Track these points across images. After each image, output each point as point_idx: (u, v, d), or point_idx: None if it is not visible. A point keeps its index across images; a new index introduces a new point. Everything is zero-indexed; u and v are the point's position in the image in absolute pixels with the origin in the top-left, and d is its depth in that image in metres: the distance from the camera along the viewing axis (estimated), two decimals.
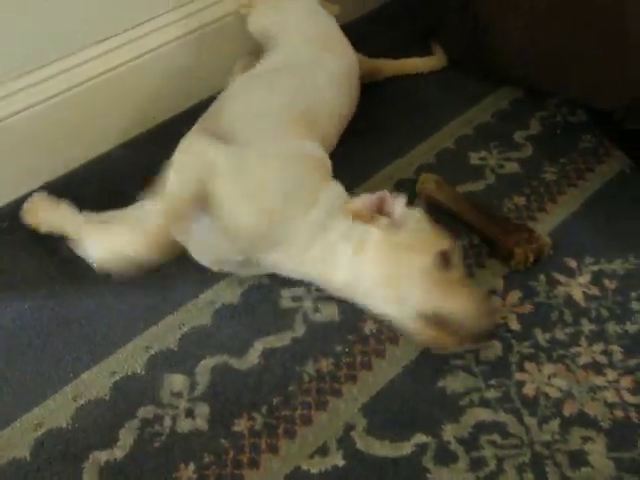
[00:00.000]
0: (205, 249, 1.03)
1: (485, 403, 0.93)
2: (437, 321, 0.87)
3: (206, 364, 0.98)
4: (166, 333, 1.02)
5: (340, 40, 1.24)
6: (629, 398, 0.93)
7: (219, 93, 1.27)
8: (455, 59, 1.42)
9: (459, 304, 0.87)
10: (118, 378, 0.96)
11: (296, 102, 1.07)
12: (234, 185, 0.93)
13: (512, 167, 1.24)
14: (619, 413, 0.92)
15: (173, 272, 1.10)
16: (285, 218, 0.93)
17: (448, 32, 1.41)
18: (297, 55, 1.16)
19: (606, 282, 1.06)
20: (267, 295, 1.06)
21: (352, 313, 1.03)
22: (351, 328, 1.02)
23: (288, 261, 0.96)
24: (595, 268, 1.08)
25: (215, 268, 1.06)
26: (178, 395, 0.95)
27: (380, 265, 0.90)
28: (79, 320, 1.03)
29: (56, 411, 0.93)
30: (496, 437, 0.90)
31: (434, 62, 1.44)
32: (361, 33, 1.42)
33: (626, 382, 0.95)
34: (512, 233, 1.07)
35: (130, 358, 0.99)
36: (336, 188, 0.99)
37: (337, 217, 0.94)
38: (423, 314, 0.88)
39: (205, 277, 1.08)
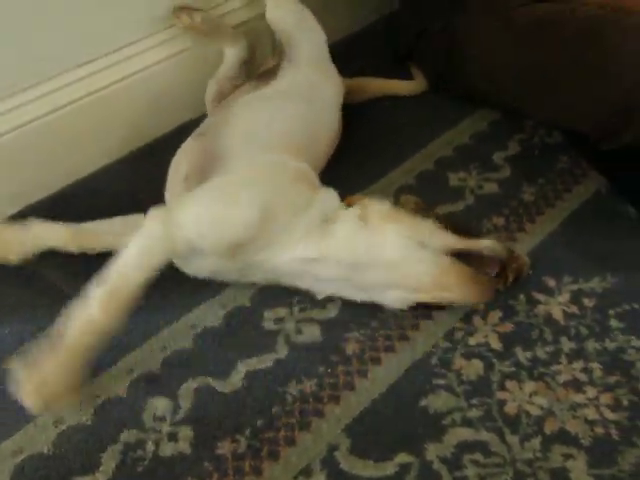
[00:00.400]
0: (200, 263, 1.03)
1: (467, 422, 0.94)
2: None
3: (189, 387, 0.98)
4: (148, 356, 1.02)
5: (330, 61, 1.27)
6: (609, 415, 0.94)
7: (202, 115, 1.29)
8: (434, 82, 1.44)
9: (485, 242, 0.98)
10: (100, 402, 0.96)
11: (297, 130, 1.11)
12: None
13: (491, 188, 1.26)
14: (599, 430, 0.92)
15: (154, 296, 1.09)
16: (276, 219, 0.96)
17: (426, 55, 1.43)
18: (302, 78, 1.20)
19: (585, 300, 1.08)
20: (249, 317, 1.07)
21: (334, 333, 1.04)
22: (333, 348, 1.02)
23: (286, 253, 0.98)
24: (574, 287, 1.10)
25: (214, 277, 1.07)
26: (161, 419, 0.95)
27: (394, 224, 0.97)
28: None
29: (36, 436, 0.92)
30: (479, 456, 0.91)
31: (414, 86, 1.46)
32: (341, 55, 1.43)
33: (606, 399, 0.96)
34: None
35: (112, 382, 0.98)
36: (329, 193, 1.03)
37: (335, 212, 1.00)
38: (450, 250, 0.96)
39: (186, 300, 1.09)
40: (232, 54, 1.32)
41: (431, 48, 1.40)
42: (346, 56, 1.49)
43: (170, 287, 1.11)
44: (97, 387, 0.97)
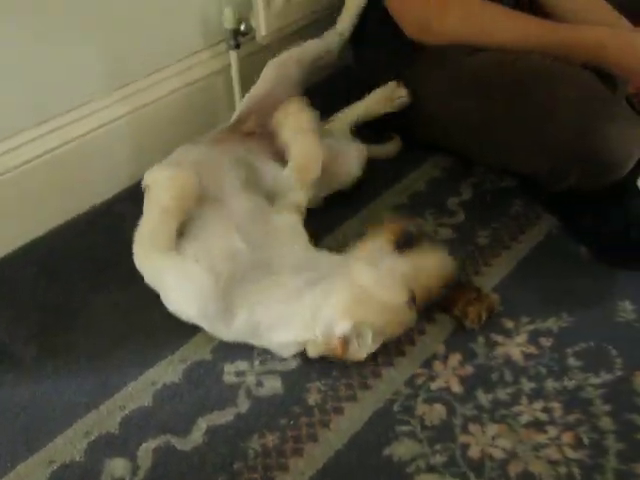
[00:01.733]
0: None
1: (431, 469, 0.93)
2: None
3: (148, 446, 0.96)
4: (106, 417, 0.99)
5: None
6: (571, 454, 0.94)
7: None
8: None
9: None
10: (56, 467, 0.93)
11: None
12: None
13: (446, 233, 1.28)
14: (562, 470, 0.93)
15: (112, 354, 1.08)
16: None
17: None
18: None
19: (542, 340, 1.09)
20: (210, 371, 1.05)
21: (296, 384, 1.03)
22: (295, 400, 1.02)
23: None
24: (531, 327, 1.11)
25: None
26: None
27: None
28: (14, 409, 1.00)
29: None
30: None
31: (392, 148, 1.47)
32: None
33: (567, 438, 0.96)
34: (461, 293, 1.10)
35: (69, 445, 0.96)
36: None
37: None
38: None
39: (145, 357, 1.07)
40: None
41: None
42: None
43: (129, 345, 1.10)
44: (52, 452, 0.95)
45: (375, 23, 1.40)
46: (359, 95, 1.48)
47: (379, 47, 1.42)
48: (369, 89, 1.47)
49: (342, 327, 1.00)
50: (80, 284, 1.20)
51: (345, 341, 1.00)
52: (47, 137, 1.25)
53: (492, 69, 1.23)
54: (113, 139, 1.34)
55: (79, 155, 1.29)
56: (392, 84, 1.39)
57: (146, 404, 1.01)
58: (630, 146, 1.11)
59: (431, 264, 1.05)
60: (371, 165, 1.43)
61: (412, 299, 1.02)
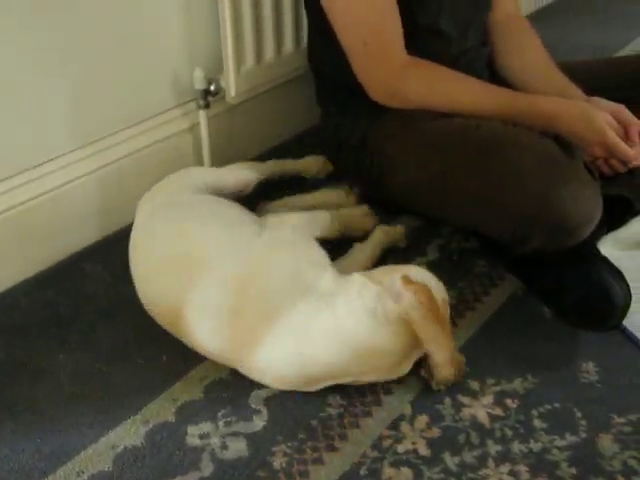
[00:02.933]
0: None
1: None
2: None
3: None
4: None
5: None
6: None
7: (122, 229, 1.29)
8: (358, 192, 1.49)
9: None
10: None
11: None
12: None
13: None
14: None
15: (73, 414, 1.05)
16: None
17: (349, 166, 1.49)
18: None
19: (508, 402, 1.09)
20: (173, 433, 1.03)
21: (261, 447, 1.01)
22: (260, 463, 0.99)
23: None
24: (497, 388, 1.11)
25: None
26: None
27: None
28: None
29: None
30: None
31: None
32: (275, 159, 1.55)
33: None
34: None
35: None
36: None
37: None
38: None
39: (107, 418, 1.04)
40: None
41: (352, 160, 1.46)
42: None
43: (90, 404, 1.07)
44: None
45: (340, 86, 1.43)
46: (327, 153, 1.52)
47: (345, 110, 1.45)
48: (336, 150, 1.50)
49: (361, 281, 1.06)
50: (41, 341, 1.18)
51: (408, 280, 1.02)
52: (13, 192, 1.24)
53: (455, 136, 1.26)
54: (80, 195, 1.34)
55: (42, 212, 1.29)
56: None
57: (106, 469, 0.98)
58: (589, 209, 1.15)
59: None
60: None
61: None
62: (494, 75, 1.48)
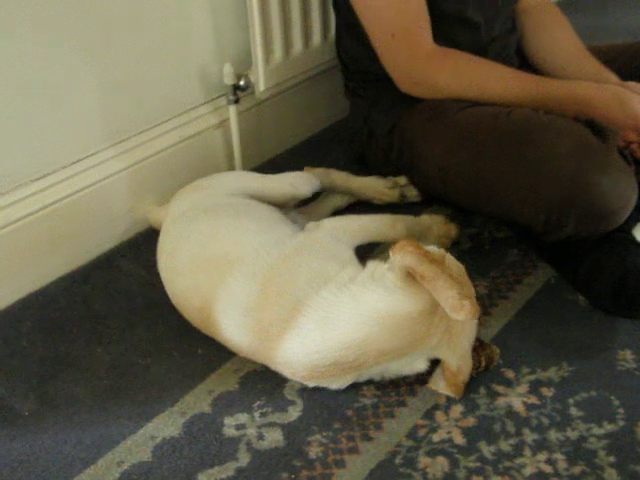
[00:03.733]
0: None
1: None
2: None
3: None
4: (104, 473, 0.98)
5: None
6: None
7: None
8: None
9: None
10: None
11: None
12: None
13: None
14: None
15: (111, 407, 1.07)
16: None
17: (377, 157, 1.49)
18: None
19: (544, 390, 1.08)
20: (210, 424, 1.04)
21: (297, 437, 1.02)
22: (296, 453, 1.00)
23: None
24: (532, 377, 1.11)
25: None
26: None
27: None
28: (11, 464, 0.99)
29: None
30: None
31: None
32: (306, 153, 1.58)
33: None
34: None
35: None
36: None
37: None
38: None
39: (145, 410, 1.06)
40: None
41: (381, 150, 1.46)
42: (306, 159, 1.57)
43: (128, 397, 1.09)
44: None
45: (368, 78, 1.43)
46: (357, 145, 1.52)
47: (374, 101, 1.45)
48: (365, 142, 1.50)
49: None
50: (78, 336, 1.20)
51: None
52: (46, 192, 1.27)
53: (486, 122, 1.25)
54: (112, 193, 1.36)
55: (77, 209, 1.31)
56: (404, 180, 1.45)
57: (145, 459, 1.00)
58: (624, 195, 1.13)
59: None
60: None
61: None
62: (524, 62, 1.47)
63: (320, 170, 1.44)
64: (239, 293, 1.06)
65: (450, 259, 1.05)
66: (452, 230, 1.33)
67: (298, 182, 1.34)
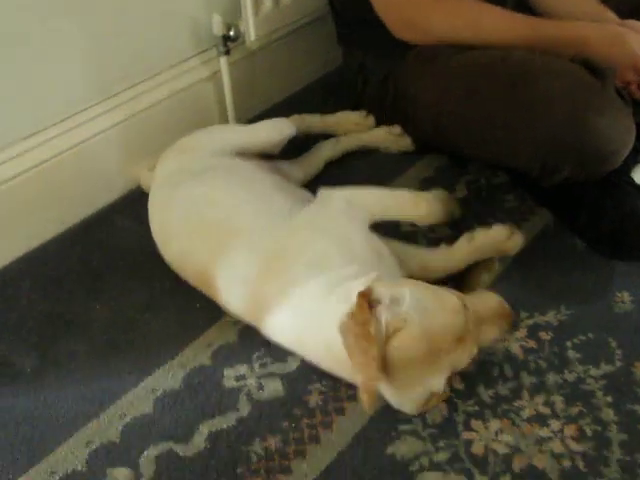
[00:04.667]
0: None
1: (435, 466, 0.93)
2: None
3: (150, 454, 0.95)
4: (107, 426, 0.99)
5: None
6: (574, 446, 0.94)
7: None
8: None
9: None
10: (57, 478, 0.93)
11: None
12: None
13: (443, 232, 1.28)
14: (566, 463, 0.92)
15: (112, 362, 1.08)
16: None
17: (372, 105, 1.47)
18: None
19: (542, 334, 1.09)
20: (210, 376, 1.05)
21: (296, 386, 1.03)
22: (297, 402, 1.01)
23: None
24: (530, 322, 1.11)
25: None
26: None
27: None
28: (15, 420, 1.00)
29: None
30: None
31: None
32: (299, 103, 1.56)
33: (570, 431, 0.96)
34: None
35: (70, 455, 0.95)
36: None
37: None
38: None
39: (145, 364, 1.07)
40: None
41: (376, 99, 1.44)
42: (299, 109, 1.52)
43: (128, 352, 1.10)
44: (53, 463, 0.94)
45: (361, 25, 1.40)
46: (351, 93, 1.50)
47: (368, 48, 1.42)
48: (360, 90, 1.47)
49: (362, 283, 0.92)
50: (77, 293, 1.20)
51: (365, 296, 0.89)
52: (36, 150, 1.25)
53: (482, 66, 1.23)
54: (104, 150, 1.34)
55: (69, 167, 1.29)
56: (398, 130, 1.42)
57: (147, 411, 1.01)
58: (622, 136, 1.12)
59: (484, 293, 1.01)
60: (365, 166, 1.44)
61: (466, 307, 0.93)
62: (520, 3, 1.43)
63: (294, 117, 1.42)
64: (240, 264, 1.05)
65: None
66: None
67: (279, 126, 1.33)
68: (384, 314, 0.89)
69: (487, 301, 0.98)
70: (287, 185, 1.22)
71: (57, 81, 1.24)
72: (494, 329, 0.97)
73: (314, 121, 1.46)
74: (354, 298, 0.90)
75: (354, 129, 1.47)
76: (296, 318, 1.00)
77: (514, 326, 1.01)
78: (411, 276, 1.09)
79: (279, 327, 1.03)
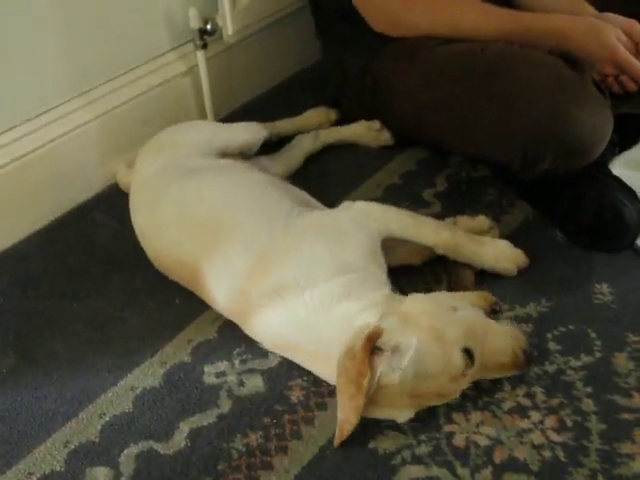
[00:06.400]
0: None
1: (417, 459, 0.93)
2: None
3: (130, 453, 0.95)
4: (86, 425, 0.98)
5: None
6: (555, 437, 0.94)
7: None
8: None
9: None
10: (35, 479, 0.91)
11: None
12: None
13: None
14: (547, 453, 0.93)
15: (90, 360, 1.07)
16: None
17: (351, 99, 1.46)
18: None
19: (523, 326, 1.09)
20: (190, 373, 1.04)
21: (278, 382, 1.02)
22: (278, 398, 1.01)
23: None
24: (511, 314, 1.11)
25: None
26: None
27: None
28: None
29: None
30: None
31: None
32: (278, 97, 1.57)
33: (550, 422, 0.96)
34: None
35: (48, 456, 0.94)
36: None
37: None
38: None
39: (124, 362, 1.06)
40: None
41: (355, 92, 1.43)
42: (278, 104, 1.56)
43: (107, 350, 1.08)
44: (31, 464, 0.93)
45: (339, 18, 1.39)
46: (329, 88, 1.49)
47: (346, 41, 1.42)
48: (338, 84, 1.47)
49: (367, 319, 0.93)
50: (55, 291, 1.19)
51: (371, 341, 0.90)
52: (12, 145, 1.23)
53: (462, 58, 1.23)
54: (81, 145, 1.32)
55: (46, 162, 1.28)
56: (378, 125, 1.42)
57: (127, 410, 1.00)
58: (601, 128, 1.12)
59: (500, 341, 0.97)
60: (345, 160, 1.44)
61: (469, 351, 0.93)
62: None
63: (266, 124, 1.41)
64: (233, 261, 1.04)
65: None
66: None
67: (254, 129, 1.34)
68: (382, 365, 0.91)
69: (502, 354, 0.97)
70: (284, 185, 1.21)
71: (31, 76, 1.23)
72: (499, 374, 1.00)
73: (284, 125, 1.47)
74: (360, 324, 0.93)
75: (322, 126, 1.48)
76: (288, 326, 1.00)
77: (527, 367, 1.00)
78: (400, 260, 1.15)
79: (265, 330, 1.03)
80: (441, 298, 1.02)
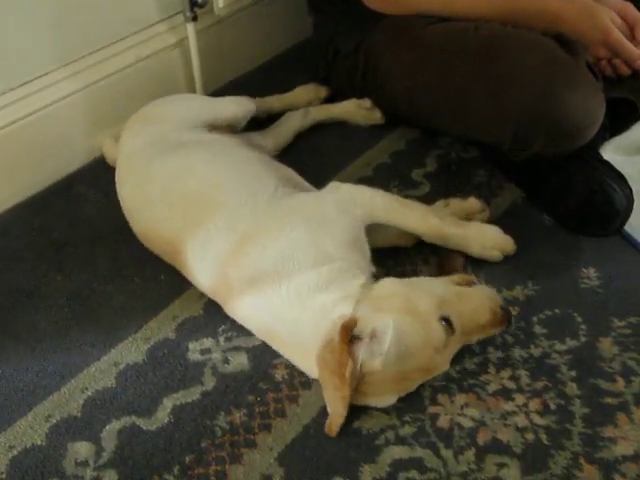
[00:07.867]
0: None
1: (401, 440, 0.93)
2: None
3: (112, 428, 0.94)
4: (68, 399, 0.97)
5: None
6: (538, 420, 0.95)
7: None
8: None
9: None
10: (16, 452, 0.91)
11: None
12: None
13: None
14: (530, 436, 0.93)
15: (74, 335, 1.06)
16: None
17: (342, 77, 1.44)
18: None
19: (511, 310, 1.09)
20: (174, 350, 1.04)
21: (262, 360, 1.02)
22: (262, 376, 1.00)
23: None
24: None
25: None
26: (83, 464, 0.90)
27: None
28: None
29: None
30: (414, 473, 0.90)
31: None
32: (268, 73, 1.55)
33: (534, 405, 0.97)
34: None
35: (29, 429, 0.94)
36: None
37: None
38: None
39: (108, 338, 1.05)
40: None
41: (346, 70, 1.41)
42: (268, 80, 1.53)
43: (91, 325, 1.07)
44: (11, 437, 0.92)
45: None
46: (320, 65, 1.47)
47: (339, 19, 1.40)
48: (330, 61, 1.45)
49: (342, 311, 0.93)
50: (38, 265, 1.17)
51: (347, 331, 0.90)
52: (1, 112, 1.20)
53: (454, 37, 1.21)
54: (66, 117, 1.30)
55: (30, 133, 1.25)
56: (368, 103, 1.40)
57: (109, 385, 0.99)
58: (592, 112, 1.12)
59: (475, 302, 0.97)
60: (335, 138, 1.42)
61: (446, 319, 0.93)
62: None
63: (256, 99, 1.39)
64: (215, 240, 1.03)
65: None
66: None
67: (242, 102, 1.33)
68: (362, 353, 0.90)
69: (480, 314, 0.96)
70: (271, 162, 1.19)
71: (15, 43, 1.19)
72: (482, 334, 0.99)
73: (273, 101, 1.45)
74: (335, 317, 0.92)
75: (312, 103, 1.47)
76: (268, 316, 0.99)
77: (508, 326, 1.00)
78: (391, 241, 1.15)
79: (246, 315, 1.03)
80: (411, 279, 1.03)
